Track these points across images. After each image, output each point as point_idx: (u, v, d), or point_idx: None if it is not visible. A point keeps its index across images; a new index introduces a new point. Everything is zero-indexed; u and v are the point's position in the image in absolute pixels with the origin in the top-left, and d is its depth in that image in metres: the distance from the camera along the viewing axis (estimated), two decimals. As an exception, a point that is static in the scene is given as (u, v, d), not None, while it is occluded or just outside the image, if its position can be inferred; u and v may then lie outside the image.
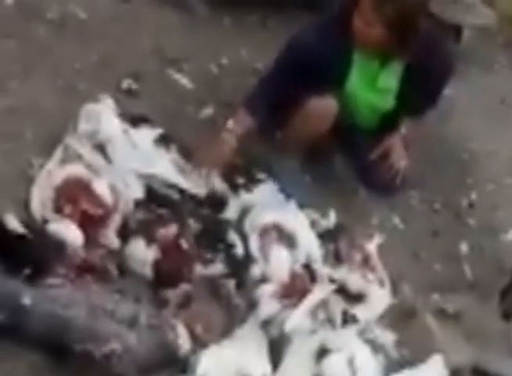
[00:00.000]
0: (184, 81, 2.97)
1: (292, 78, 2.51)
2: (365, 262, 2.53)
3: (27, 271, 1.99)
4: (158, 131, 2.54)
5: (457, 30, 3.80)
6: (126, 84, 2.80)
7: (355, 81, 2.60)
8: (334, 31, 2.50)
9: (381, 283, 2.48)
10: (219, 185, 2.51)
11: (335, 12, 2.56)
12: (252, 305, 2.24)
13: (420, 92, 2.59)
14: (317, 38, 2.49)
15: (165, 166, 2.43)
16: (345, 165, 2.83)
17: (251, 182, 2.57)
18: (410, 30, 2.43)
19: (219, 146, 2.52)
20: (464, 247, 2.85)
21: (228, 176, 2.54)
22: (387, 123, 2.73)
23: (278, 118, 2.63)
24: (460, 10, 3.81)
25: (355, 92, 2.62)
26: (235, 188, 2.53)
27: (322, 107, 2.54)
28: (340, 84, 2.58)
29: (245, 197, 2.51)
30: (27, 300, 1.91)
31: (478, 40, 3.89)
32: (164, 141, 2.52)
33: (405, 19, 2.40)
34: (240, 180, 2.55)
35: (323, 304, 2.31)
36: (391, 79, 2.61)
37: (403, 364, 2.24)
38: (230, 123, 2.54)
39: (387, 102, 2.66)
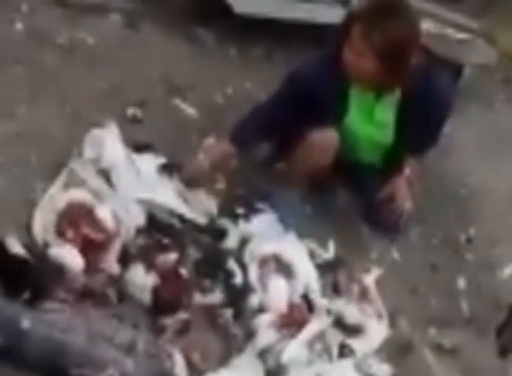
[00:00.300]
0: (189, 110, 3.01)
1: (291, 111, 2.54)
2: (364, 294, 2.54)
3: (26, 295, 2.00)
4: (161, 159, 2.57)
5: (458, 68, 3.86)
6: (131, 111, 2.83)
7: (353, 116, 2.63)
8: (330, 66, 2.53)
9: (379, 317, 2.49)
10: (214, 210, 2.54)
11: (331, 46, 2.58)
12: (250, 334, 2.24)
13: (418, 129, 2.60)
14: (314, 73, 2.53)
15: (167, 194, 2.46)
16: (347, 199, 2.86)
17: (251, 211, 2.59)
18: (401, 61, 2.44)
19: (193, 164, 2.55)
20: (462, 283, 2.86)
21: (228, 206, 2.56)
22: (390, 159, 2.74)
23: (279, 150, 2.67)
24: (462, 49, 3.87)
25: (354, 127, 2.64)
26: (235, 218, 2.55)
27: (323, 140, 2.56)
28: (339, 119, 2.60)
29: (245, 226, 2.53)
30: (25, 323, 1.91)
31: (478, 77, 3.94)
32: (166, 169, 2.54)
33: (394, 50, 2.41)
34: (240, 210, 2.57)
35: (321, 335, 2.31)
36: (387, 112, 2.63)
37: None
38: (208, 146, 2.58)
39: (387, 135, 2.67)
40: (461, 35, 3.91)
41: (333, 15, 3.50)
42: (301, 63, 2.64)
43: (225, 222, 2.51)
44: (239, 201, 2.62)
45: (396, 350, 2.44)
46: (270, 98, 2.63)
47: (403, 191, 2.72)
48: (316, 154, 2.57)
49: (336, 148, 2.59)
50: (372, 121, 2.64)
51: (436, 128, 2.72)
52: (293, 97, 2.54)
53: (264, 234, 2.51)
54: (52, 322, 1.95)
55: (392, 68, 2.44)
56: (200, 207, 2.49)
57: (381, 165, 2.76)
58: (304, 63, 2.64)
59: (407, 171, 2.73)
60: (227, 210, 2.55)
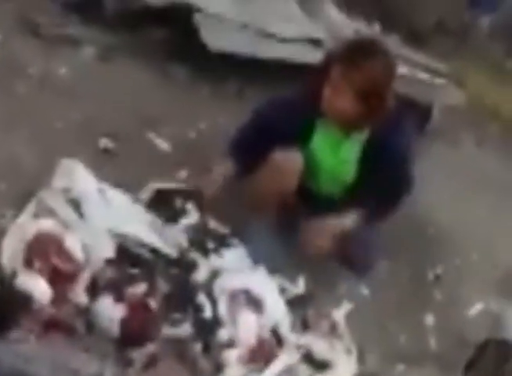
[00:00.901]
0: (161, 143, 3.02)
1: (257, 142, 2.60)
2: (333, 330, 2.54)
3: (-9, 323, 1.97)
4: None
5: (428, 109, 3.94)
6: (103, 143, 2.83)
7: (318, 145, 2.65)
8: (299, 101, 2.59)
9: (348, 352, 2.48)
10: (183, 241, 2.53)
11: (305, 84, 2.64)
12: (218, 368, 2.22)
13: (377, 174, 2.59)
14: (280, 107, 2.62)
15: (138, 225, 2.44)
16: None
17: (222, 246, 2.58)
18: (378, 100, 2.49)
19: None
20: (430, 320, 2.88)
21: (199, 240, 2.55)
22: (348, 195, 2.72)
23: (244, 171, 2.70)
24: (432, 90, 3.95)
25: (317, 157, 2.66)
26: (205, 252, 2.53)
27: (287, 161, 2.58)
28: (303, 146, 2.64)
29: (215, 260, 2.52)
30: (-11, 353, 1.88)
31: (447, 118, 4.02)
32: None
33: (373, 89, 2.46)
34: (211, 245, 2.56)
35: (289, 370, 2.30)
36: (352, 150, 2.64)
37: None
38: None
39: (348, 172, 2.67)
40: (430, 77, 4.00)
41: (305, 54, 3.58)
42: (269, 98, 2.72)
43: (195, 255, 2.50)
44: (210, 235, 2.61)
45: (364, 386, 2.44)
46: (238, 129, 2.73)
47: (325, 234, 2.65)
48: (279, 176, 2.58)
49: (300, 170, 2.61)
50: (336, 155, 2.66)
51: (394, 177, 2.64)
52: (258, 128, 2.64)
53: (234, 268, 2.51)
54: (16, 352, 1.92)
55: (369, 107, 2.48)
56: (171, 240, 2.48)
57: (340, 199, 2.76)
58: (272, 97, 2.72)
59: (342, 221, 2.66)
60: (198, 244, 2.54)
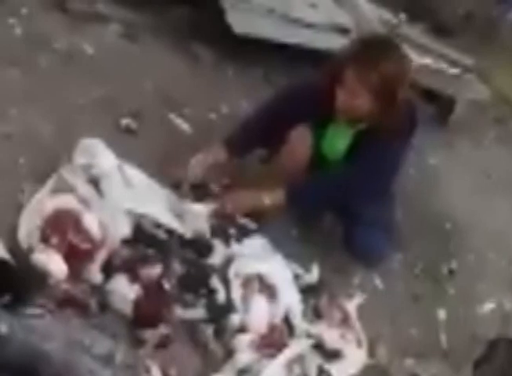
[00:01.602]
0: (183, 125, 3.01)
1: (274, 123, 2.62)
2: (344, 320, 2.54)
3: (6, 298, 1.97)
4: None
5: (450, 102, 3.90)
6: (125, 122, 2.83)
7: (323, 136, 2.67)
8: (316, 96, 2.55)
9: (358, 343, 2.49)
10: (205, 228, 2.53)
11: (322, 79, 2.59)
12: (229, 352, 2.24)
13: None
14: (303, 94, 2.59)
15: (157, 206, 2.45)
16: (332, 223, 2.86)
17: (243, 234, 2.57)
18: (394, 97, 2.47)
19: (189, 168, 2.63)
20: (442, 314, 2.87)
21: (221, 226, 2.55)
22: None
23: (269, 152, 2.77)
24: (456, 84, 3.92)
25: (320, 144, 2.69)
26: (226, 238, 2.53)
27: (298, 135, 2.63)
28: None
29: (235, 246, 2.52)
30: (3, 328, 1.88)
31: (470, 113, 3.98)
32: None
33: (390, 87, 2.44)
34: (232, 231, 2.56)
35: (299, 358, 2.31)
36: (348, 136, 2.63)
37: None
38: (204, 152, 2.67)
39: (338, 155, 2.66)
40: (455, 70, 3.96)
41: (331, 41, 3.55)
42: (292, 83, 2.72)
43: (212, 239, 2.50)
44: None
45: (373, 377, 2.44)
46: (258, 109, 2.73)
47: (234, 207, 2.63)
48: (294, 149, 2.64)
49: (309, 141, 2.65)
50: (334, 143, 2.66)
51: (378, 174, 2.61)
52: (278, 110, 2.64)
53: (250, 254, 2.51)
54: (30, 328, 1.92)
55: (385, 105, 2.47)
56: (191, 224, 2.48)
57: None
58: (295, 83, 2.71)
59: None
60: (219, 230, 2.53)
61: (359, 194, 2.63)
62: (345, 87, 2.47)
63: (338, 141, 2.66)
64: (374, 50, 2.47)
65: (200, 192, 2.66)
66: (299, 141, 2.63)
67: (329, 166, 2.70)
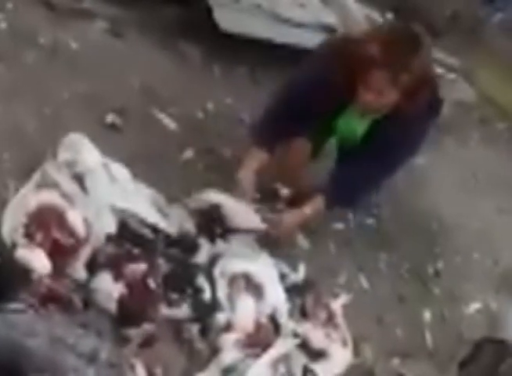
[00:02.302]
0: (168, 122, 2.99)
1: (287, 118, 2.56)
2: (330, 320, 2.53)
3: (-11, 294, 1.95)
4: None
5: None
6: (110, 118, 2.80)
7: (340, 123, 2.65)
8: (331, 90, 2.46)
9: (344, 343, 2.48)
10: (190, 226, 2.51)
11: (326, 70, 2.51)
12: (214, 351, 2.22)
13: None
14: (315, 92, 2.49)
15: (142, 203, 2.42)
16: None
17: (228, 231, 2.55)
18: (420, 88, 2.39)
19: (239, 185, 2.57)
20: (427, 315, 2.87)
21: (207, 225, 2.53)
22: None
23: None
24: (442, 85, 3.92)
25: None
26: (212, 237, 2.51)
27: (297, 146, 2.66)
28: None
29: (219, 244, 2.50)
30: (-15, 323, 1.86)
31: (456, 114, 3.99)
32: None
33: (420, 83, 2.38)
34: (218, 230, 2.53)
35: (285, 358, 2.29)
36: (363, 126, 2.61)
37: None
38: (245, 160, 2.60)
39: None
40: (441, 71, 3.97)
41: (317, 39, 3.53)
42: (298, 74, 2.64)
43: (199, 239, 2.48)
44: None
45: (358, 377, 2.43)
46: (273, 103, 2.65)
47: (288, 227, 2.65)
48: (291, 162, 2.72)
49: (306, 155, 2.72)
50: (353, 128, 2.63)
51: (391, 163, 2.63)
52: (290, 104, 2.57)
53: (236, 253, 2.49)
54: (13, 324, 1.90)
55: (413, 98, 2.40)
56: (174, 220, 2.46)
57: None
58: (302, 74, 2.61)
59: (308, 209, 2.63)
60: (205, 228, 2.52)
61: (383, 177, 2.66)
62: (371, 87, 2.36)
63: (355, 127, 2.61)
64: (403, 48, 2.32)
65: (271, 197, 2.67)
66: (297, 155, 2.64)
67: (347, 151, 2.69)
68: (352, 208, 2.94)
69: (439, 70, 3.99)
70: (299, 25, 3.63)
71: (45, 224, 2.20)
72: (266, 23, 3.55)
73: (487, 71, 4.28)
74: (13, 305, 1.96)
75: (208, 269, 2.39)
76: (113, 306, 2.16)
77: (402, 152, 2.62)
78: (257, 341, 2.28)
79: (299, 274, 2.61)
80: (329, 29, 3.70)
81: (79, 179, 2.39)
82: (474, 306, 3.03)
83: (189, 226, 2.49)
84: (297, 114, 2.55)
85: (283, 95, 2.64)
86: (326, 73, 2.48)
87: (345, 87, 2.45)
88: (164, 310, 2.22)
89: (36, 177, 2.33)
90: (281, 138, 2.64)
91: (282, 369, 2.27)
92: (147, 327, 2.15)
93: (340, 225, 2.99)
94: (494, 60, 4.48)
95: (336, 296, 2.65)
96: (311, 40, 3.56)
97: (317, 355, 2.40)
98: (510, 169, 3.92)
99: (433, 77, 2.60)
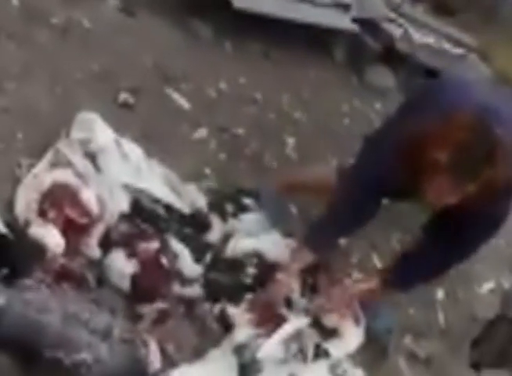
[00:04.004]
0: (181, 100, 2.98)
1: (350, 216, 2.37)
2: (342, 299, 2.52)
3: (4, 272, 1.96)
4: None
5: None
6: (123, 97, 2.80)
7: None
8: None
9: (356, 321, 2.48)
10: (202, 204, 2.51)
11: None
12: (227, 329, 2.23)
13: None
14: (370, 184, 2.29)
15: (154, 181, 2.43)
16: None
17: (239, 209, 2.56)
18: (494, 191, 2.06)
19: (276, 287, 2.41)
20: (440, 294, 2.86)
21: (219, 205, 2.54)
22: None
23: None
24: (457, 63, 3.89)
25: None
26: (223, 215, 2.52)
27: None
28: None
29: (232, 223, 2.51)
30: (0, 300, 1.87)
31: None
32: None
33: (490, 187, 2.03)
34: (229, 208, 2.54)
35: (297, 335, 2.29)
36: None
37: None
38: (289, 261, 2.44)
39: None
40: (457, 50, 3.93)
41: (331, 17, 3.52)
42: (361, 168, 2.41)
43: (210, 216, 2.48)
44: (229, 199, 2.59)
45: (371, 355, 2.43)
46: (333, 203, 2.42)
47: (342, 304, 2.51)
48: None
49: None
50: None
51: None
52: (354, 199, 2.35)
53: (248, 231, 2.49)
54: (28, 301, 1.92)
55: (484, 198, 2.08)
56: (187, 199, 2.46)
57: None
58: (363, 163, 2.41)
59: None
60: (216, 206, 2.52)
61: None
62: (437, 187, 2.09)
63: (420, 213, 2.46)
64: (473, 157, 1.98)
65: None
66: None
67: None
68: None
69: (456, 50, 3.95)
70: (311, 1, 3.59)
71: (59, 202, 2.21)
72: (279, 0, 3.52)
73: (503, 50, 4.22)
74: (28, 283, 1.98)
75: (220, 247, 2.40)
76: (126, 284, 2.17)
77: (477, 233, 2.33)
78: (270, 318, 2.29)
79: (311, 252, 2.60)
80: (343, 5, 3.67)
81: (92, 158, 2.40)
82: (487, 286, 3.02)
83: (201, 204, 2.49)
84: (360, 216, 2.37)
85: (344, 199, 2.38)
86: (389, 174, 2.24)
87: (408, 184, 2.19)
88: (177, 288, 2.24)
89: (49, 156, 2.34)
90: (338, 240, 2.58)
91: (294, 347, 2.27)
92: (160, 304, 2.17)
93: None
94: (510, 38, 4.42)
95: (348, 275, 2.64)
96: (324, 16, 3.56)
97: (330, 333, 2.39)
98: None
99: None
